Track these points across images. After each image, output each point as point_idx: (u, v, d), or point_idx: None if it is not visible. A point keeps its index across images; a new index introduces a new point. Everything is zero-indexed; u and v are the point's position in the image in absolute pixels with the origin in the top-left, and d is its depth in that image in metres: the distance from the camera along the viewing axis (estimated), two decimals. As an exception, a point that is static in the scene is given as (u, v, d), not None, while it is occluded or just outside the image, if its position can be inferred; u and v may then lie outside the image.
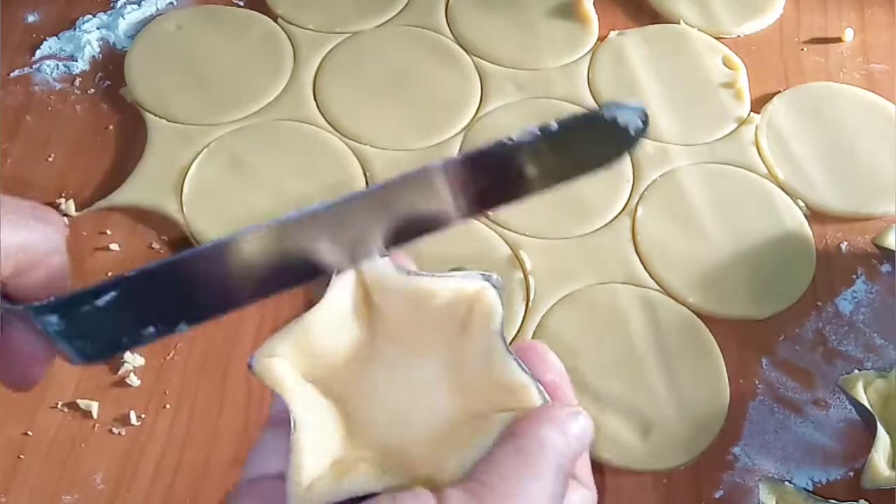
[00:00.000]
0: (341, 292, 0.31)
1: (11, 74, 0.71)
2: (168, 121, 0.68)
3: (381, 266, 0.32)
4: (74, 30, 0.74)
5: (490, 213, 0.63)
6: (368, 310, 0.32)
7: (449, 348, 0.32)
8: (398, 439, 0.30)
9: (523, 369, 0.30)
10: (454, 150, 0.68)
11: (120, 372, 0.56)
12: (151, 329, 0.30)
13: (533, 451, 0.28)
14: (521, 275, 0.61)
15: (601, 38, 0.76)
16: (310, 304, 0.31)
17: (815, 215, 0.66)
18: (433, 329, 0.31)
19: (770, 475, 0.54)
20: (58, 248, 0.31)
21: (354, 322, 0.32)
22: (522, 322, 0.59)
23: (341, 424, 0.31)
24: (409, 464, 0.29)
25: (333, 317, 0.31)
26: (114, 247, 0.62)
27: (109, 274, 0.61)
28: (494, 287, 0.31)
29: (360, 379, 0.32)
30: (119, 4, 0.76)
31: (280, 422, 0.30)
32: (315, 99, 0.70)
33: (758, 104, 0.72)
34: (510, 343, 0.31)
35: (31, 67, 0.72)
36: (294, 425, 0.29)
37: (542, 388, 0.30)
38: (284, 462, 0.29)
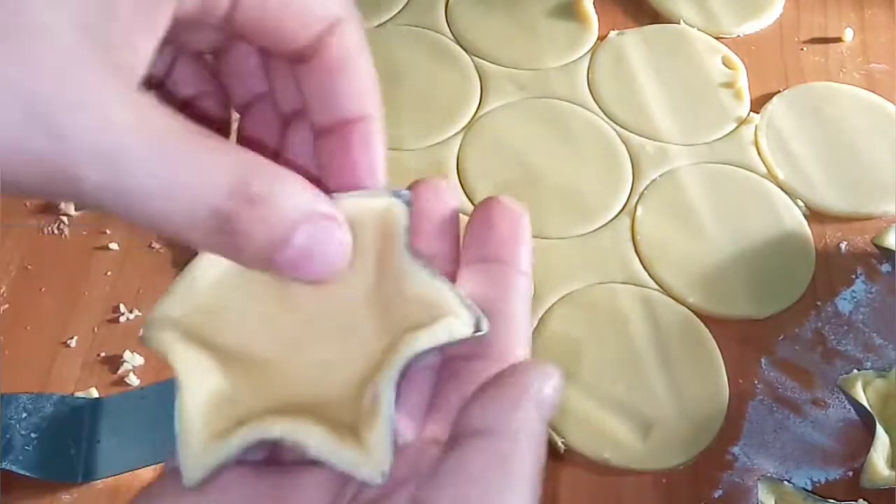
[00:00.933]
0: None
1: (11, 74, 0.71)
2: (168, 120, 0.68)
3: None
4: (74, 29, 0.74)
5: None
6: None
7: (370, 281, 0.27)
8: (320, 391, 0.26)
9: (436, 277, 0.26)
10: (454, 150, 0.68)
11: (119, 371, 0.56)
12: None
13: (508, 455, 0.21)
14: (521, 275, 0.61)
15: (601, 38, 0.76)
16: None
17: (815, 215, 0.66)
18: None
19: (769, 475, 0.54)
20: None
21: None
22: (522, 322, 0.59)
23: (249, 382, 0.26)
24: (333, 413, 0.25)
25: (224, 264, 0.26)
26: (113, 247, 0.62)
27: (108, 274, 0.61)
28: (406, 204, 0.27)
29: (275, 332, 0.27)
30: (119, 4, 0.76)
31: None
32: (315, 99, 0.70)
33: (758, 104, 0.72)
34: None
35: (31, 67, 0.72)
36: (178, 389, 0.25)
37: (461, 294, 0.26)
38: None
